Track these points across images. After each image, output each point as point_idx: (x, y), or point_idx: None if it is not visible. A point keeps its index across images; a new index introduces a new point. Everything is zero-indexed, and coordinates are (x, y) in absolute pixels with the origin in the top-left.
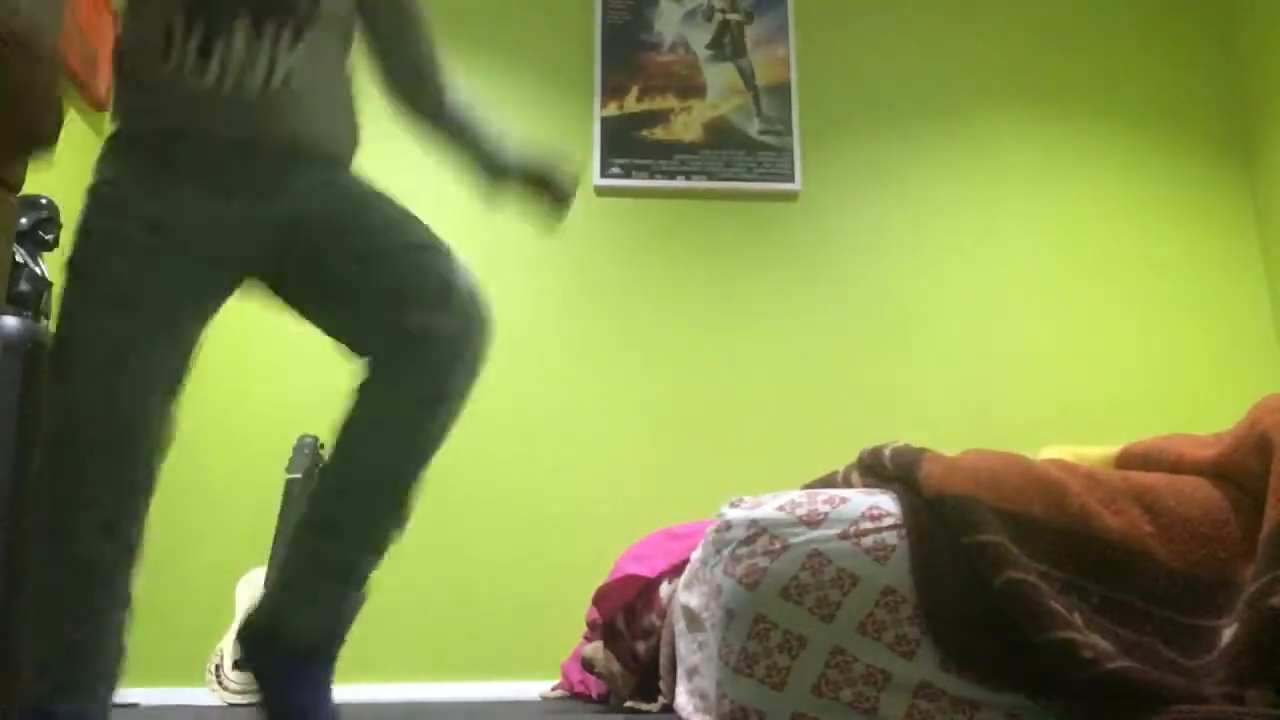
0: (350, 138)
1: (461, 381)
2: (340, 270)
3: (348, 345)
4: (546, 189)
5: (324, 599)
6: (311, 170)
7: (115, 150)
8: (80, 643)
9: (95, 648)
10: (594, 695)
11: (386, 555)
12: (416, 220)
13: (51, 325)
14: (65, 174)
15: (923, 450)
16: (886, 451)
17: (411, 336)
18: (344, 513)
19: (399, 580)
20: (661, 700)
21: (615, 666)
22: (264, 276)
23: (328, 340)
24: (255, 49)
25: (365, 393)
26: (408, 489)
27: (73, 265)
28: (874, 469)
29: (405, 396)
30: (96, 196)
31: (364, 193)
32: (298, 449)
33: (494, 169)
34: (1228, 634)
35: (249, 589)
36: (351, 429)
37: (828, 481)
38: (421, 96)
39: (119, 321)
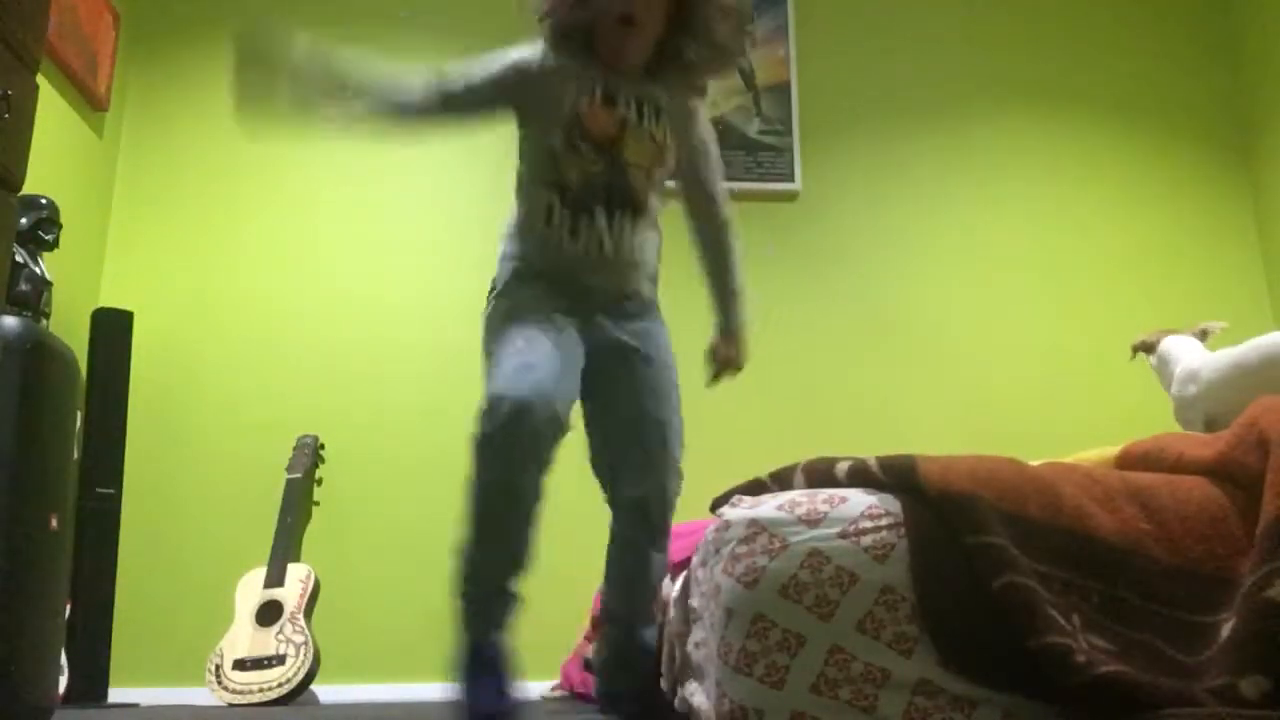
0: (653, 285)
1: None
2: (621, 416)
3: (597, 460)
4: (726, 356)
5: None
6: (633, 306)
7: (520, 275)
8: None
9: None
10: (594, 695)
11: (385, 555)
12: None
13: (51, 324)
14: (65, 174)
15: (912, 455)
16: (871, 462)
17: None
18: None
19: (399, 580)
20: None
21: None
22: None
23: (328, 340)
24: (610, 228)
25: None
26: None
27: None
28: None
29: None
30: (518, 280)
31: (663, 352)
32: (298, 449)
33: (723, 312)
34: (1227, 629)
35: (249, 589)
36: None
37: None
38: (710, 220)
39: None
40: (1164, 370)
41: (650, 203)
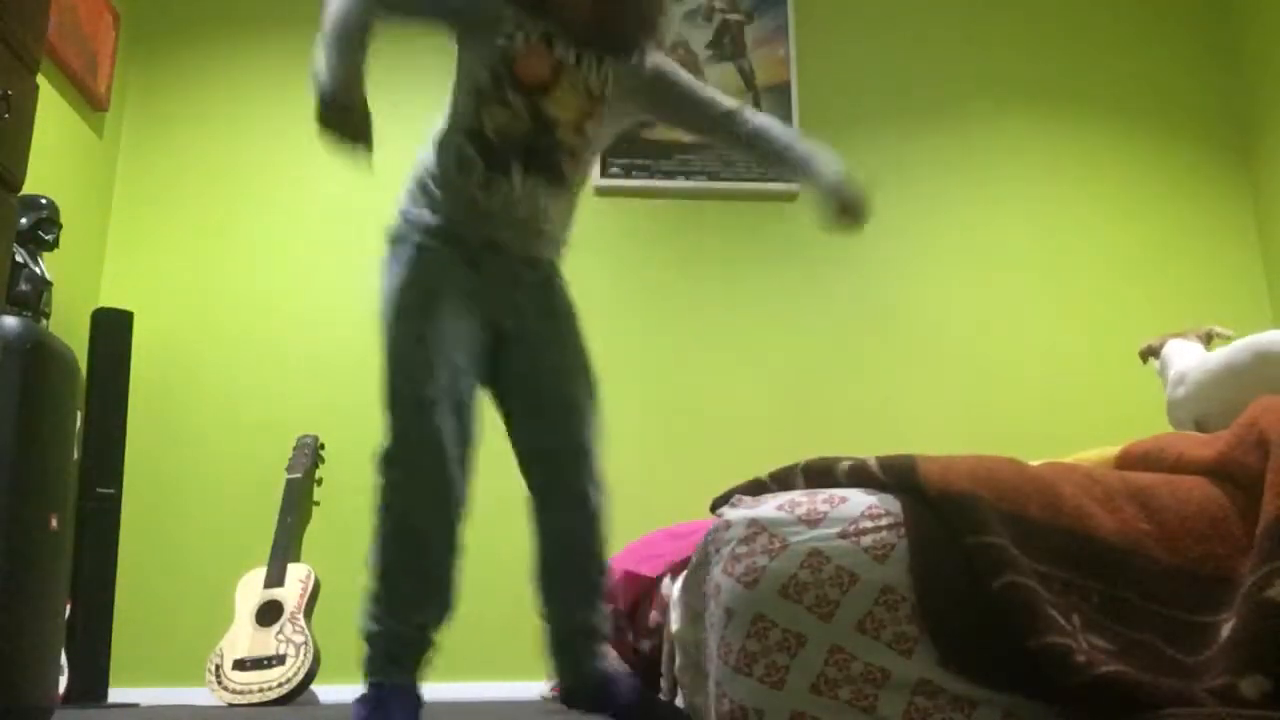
0: (564, 245)
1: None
2: (539, 376)
3: (513, 429)
4: (842, 207)
5: None
6: (537, 271)
7: (426, 247)
8: None
9: None
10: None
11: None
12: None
13: (51, 325)
14: (65, 174)
15: (912, 455)
16: (871, 462)
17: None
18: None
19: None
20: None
21: (622, 666)
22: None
23: (328, 340)
24: (523, 192)
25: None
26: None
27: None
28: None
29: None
30: (420, 253)
31: (568, 307)
32: (298, 449)
33: (799, 172)
34: (1227, 629)
35: (249, 589)
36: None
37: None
38: (719, 127)
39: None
40: (1163, 373)
41: (570, 171)
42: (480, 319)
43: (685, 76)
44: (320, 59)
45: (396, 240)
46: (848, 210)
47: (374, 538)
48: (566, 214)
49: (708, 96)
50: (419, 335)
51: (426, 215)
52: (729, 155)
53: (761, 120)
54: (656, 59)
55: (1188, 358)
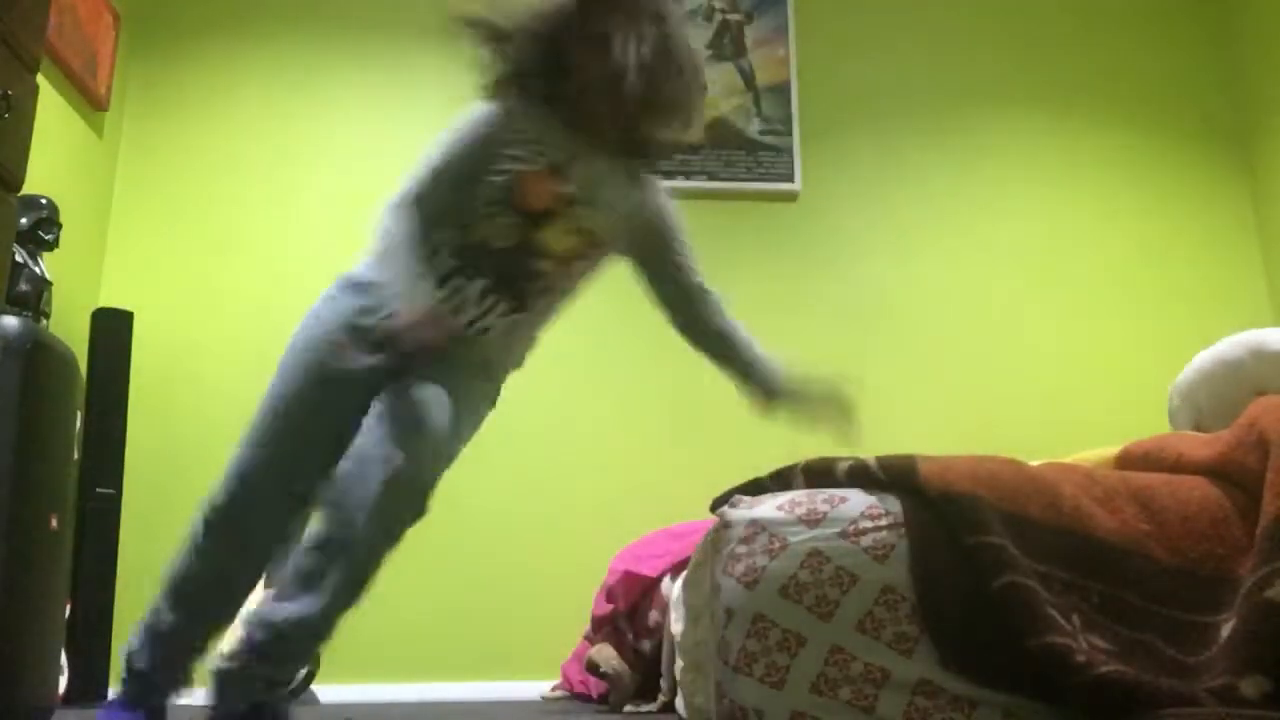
0: (504, 372)
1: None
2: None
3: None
4: (827, 410)
5: None
6: (473, 380)
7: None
8: None
9: None
10: (594, 696)
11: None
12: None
13: (51, 325)
14: (65, 174)
15: (912, 455)
16: (871, 462)
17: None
18: None
19: (399, 581)
20: (661, 699)
21: (623, 667)
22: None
23: None
24: (478, 303)
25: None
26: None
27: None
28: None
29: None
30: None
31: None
32: None
33: (766, 390)
34: (1227, 629)
35: None
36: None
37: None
38: (692, 321)
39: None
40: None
41: (535, 302)
42: (365, 393)
43: (681, 240)
44: (392, 280)
45: (322, 315)
46: (835, 409)
47: (182, 563)
48: (513, 345)
49: (689, 268)
50: (292, 407)
51: (364, 315)
52: (729, 155)
53: (730, 324)
54: (663, 200)
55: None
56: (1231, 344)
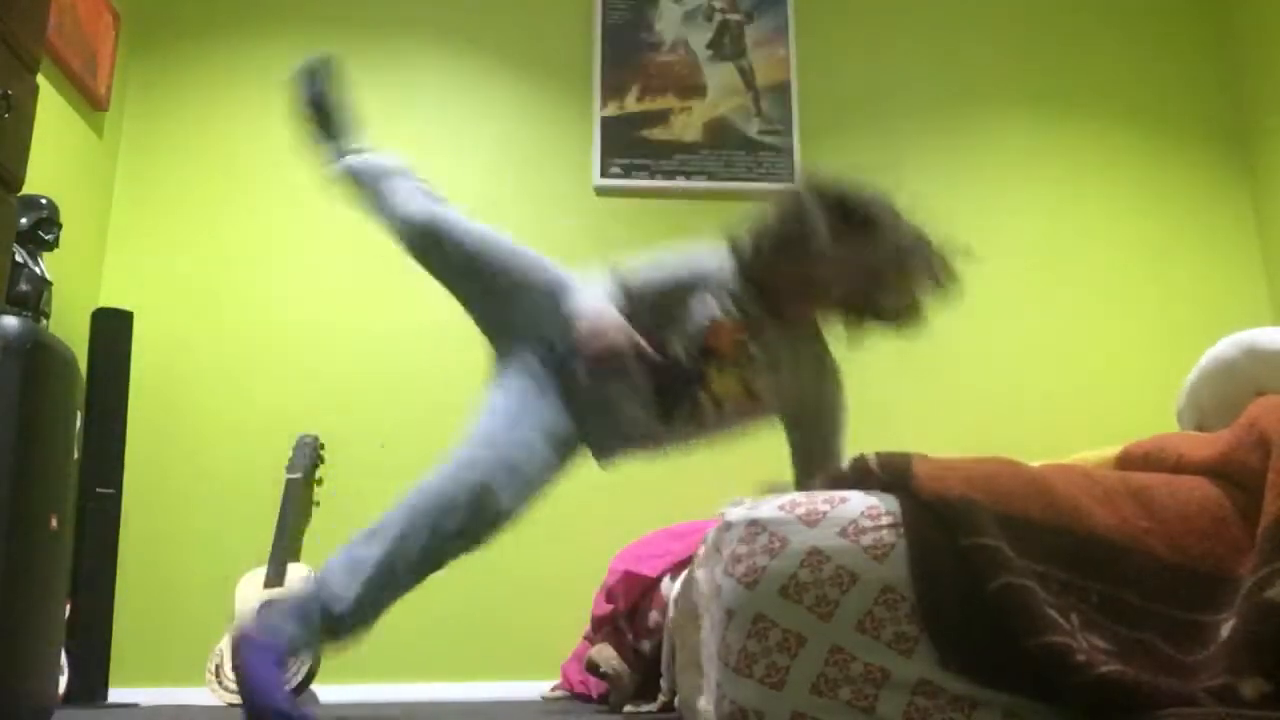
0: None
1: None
2: None
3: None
4: None
5: None
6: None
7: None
8: None
9: None
10: (594, 695)
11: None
12: None
13: (51, 325)
14: (65, 174)
15: (909, 454)
16: (871, 458)
17: None
18: None
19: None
20: (661, 699)
21: (622, 667)
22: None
23: (329, 340)
24: (632, 398)
25: None
26: None
27: None
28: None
29: None
30: None
31: None
32: (298, 449)
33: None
34: (1226, 629)
35: (249, 589)
36: None
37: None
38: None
39: None
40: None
41: (677, 427)
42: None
43: (831, 425)
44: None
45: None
46: None
47: (398, 552)
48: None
49: (833, 446)
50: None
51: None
52: (729, 155)
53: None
54: (829, 387)
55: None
56: (1228, 344)
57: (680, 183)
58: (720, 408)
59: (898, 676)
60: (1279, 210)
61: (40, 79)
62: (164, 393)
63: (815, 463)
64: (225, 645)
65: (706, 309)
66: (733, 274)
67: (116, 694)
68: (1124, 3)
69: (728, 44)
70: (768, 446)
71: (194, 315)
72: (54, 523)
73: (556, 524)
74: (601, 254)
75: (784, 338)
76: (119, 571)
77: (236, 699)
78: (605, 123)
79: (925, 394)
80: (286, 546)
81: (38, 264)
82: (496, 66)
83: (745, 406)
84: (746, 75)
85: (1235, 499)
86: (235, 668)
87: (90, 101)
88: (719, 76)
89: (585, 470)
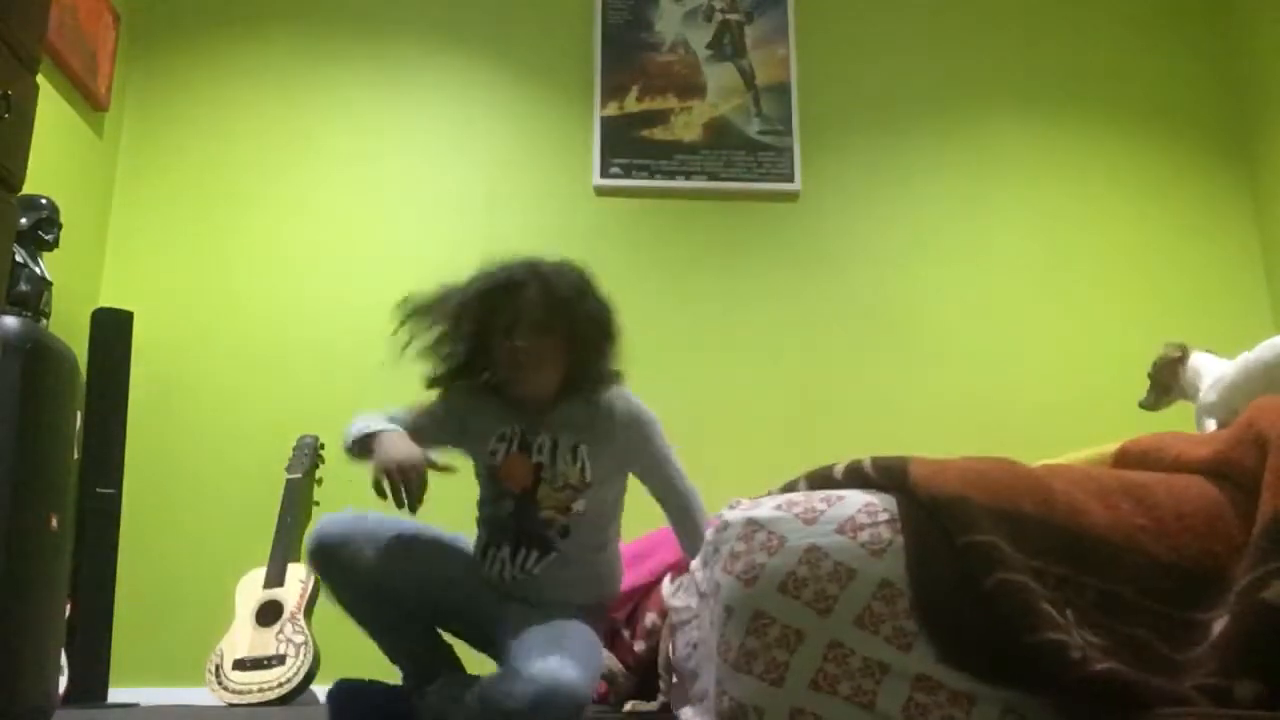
0: (589, 595)
1: None
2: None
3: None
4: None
5: None
6: (541, 607)
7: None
8: None
9: None
10: (594, 696)
11: None
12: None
13: (51, 325)
14: (65, 174)
15: (905, 457)
16: (866, 462)
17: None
18: None
19: None
20: (661, 699)
21: (617, 666)
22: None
23: (329, 340)
24: (513, 560)
25: None
26: None
27: None
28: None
29: None
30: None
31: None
32: (298, 449)
33: None
34: (1218, 626)
35: (249, 589)
36: None
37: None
38: (679, 517)
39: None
40: (1195, 381)
41: (563, 544)
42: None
43: (657, 462)
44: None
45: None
46: None
47: None
48: (573, 574)
49: (668, 490)
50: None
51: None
52: (729, 155)
53: (691, 522)
54: (623, 423)
55: (1221, 364)
56: (1266, 346)
57: (680, 183)
58: (567, 511)
59: (896, 671)
60: (1279, 210)
61: (40, 79)
62: (164, 392)
63: (664, 494)
64: (225, 645)
65: (485, 461)
66: (473, 406)
67: (116, 694)
68: (1124, 3)
69: (728, 44)
70: (767, 447)
71: (194, 315)
72: (54, 523)
73: None
74: (601, 254)
75: (551, 431)
76: (119, 571)
77: (236, 699)
78: (605, 123)
79: (925, 394)
80: (286, 546)
81: (38, 264)
82: (497, 66)
83: (583, 493)
84: (746, 75)
85: (1232, 498)
86: None
87: (90, 101)
88: (719, 76)
89: None
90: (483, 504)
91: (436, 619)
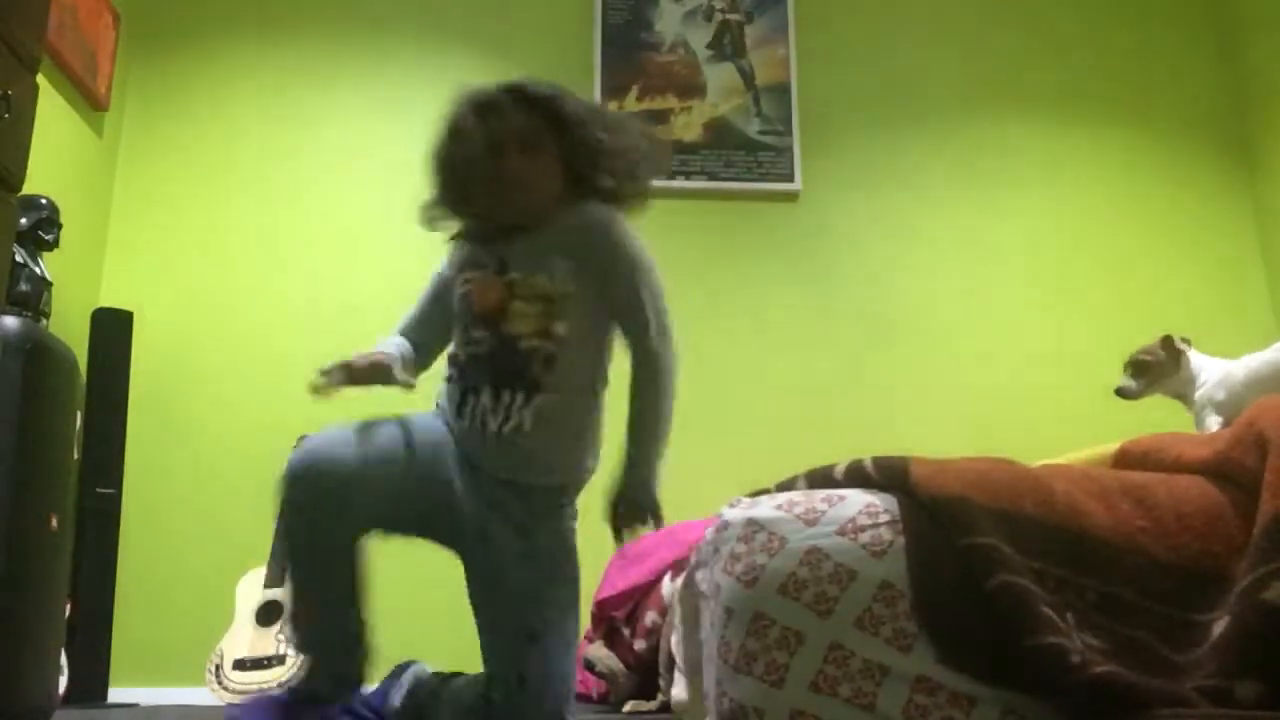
0: (571, 470)
1: None
2: (481, 598)
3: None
4: (620, 518)
5: None
6: (526, 501)
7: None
8: None
9: None
10: (594, 695)
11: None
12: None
13: (51, 325)
14: (65, 174)
15: (906, 458)
16: (867, 462)
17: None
18: None
19: (399, 580)
20: (661, 699)
21: (617, 666)
22: (445, 528)
23: (329, 341)
24: (496, 406)
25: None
26: None
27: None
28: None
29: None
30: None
31: (538, 549)
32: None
33: (622, 476)
34: (1219, 627)
35: (249, 589)
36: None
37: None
38: (638, 376)
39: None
40: (1193, 380)
41: (547, 377)
42: (435, 502)
43: (635, 287)
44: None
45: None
46: (623, 515)
47: None
48: (560, 425)
49: (639, 324)
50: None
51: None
52: (729, 155)
53: (658, 383)
54: (618, 253)
55: (1221, 363)
56: (1277, 348)
57: (680, 183)
58: (550, 335)
59: (897, 673)
60: (1279, 210)
61: (40, 79)
62: (164, 393)
63: (628, 333)
64: (225, 645)
65: (459, 296)
66: (454, 248)
67: (116, 694)
68: (1125, 3)
69: (728, 44)
70: (767, 447)
71: (194, 315)
72: (54, 523)
73: None
74: None
75: (526, 244)
76: (119, 571)
77: (237, 699)
78: None
79: (926, 394)
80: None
81: (38, 264)
82: (497, 66)
83: (564, 308)
84: (746, 75)
85: (1233, 498)
86: None
87: (90, 101)
88: (719, 76)
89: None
90: (454, 356)
91: (399, 525)
